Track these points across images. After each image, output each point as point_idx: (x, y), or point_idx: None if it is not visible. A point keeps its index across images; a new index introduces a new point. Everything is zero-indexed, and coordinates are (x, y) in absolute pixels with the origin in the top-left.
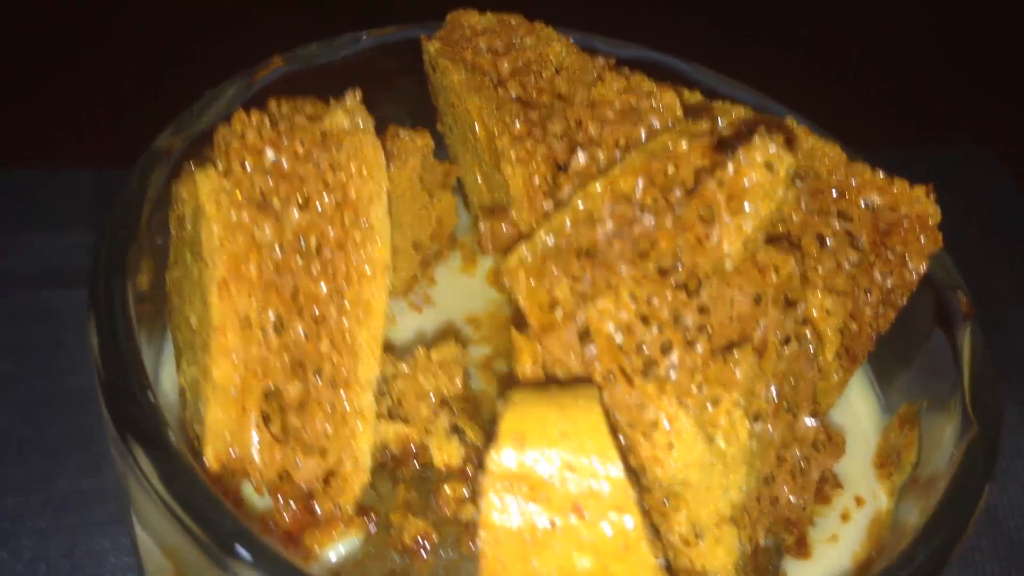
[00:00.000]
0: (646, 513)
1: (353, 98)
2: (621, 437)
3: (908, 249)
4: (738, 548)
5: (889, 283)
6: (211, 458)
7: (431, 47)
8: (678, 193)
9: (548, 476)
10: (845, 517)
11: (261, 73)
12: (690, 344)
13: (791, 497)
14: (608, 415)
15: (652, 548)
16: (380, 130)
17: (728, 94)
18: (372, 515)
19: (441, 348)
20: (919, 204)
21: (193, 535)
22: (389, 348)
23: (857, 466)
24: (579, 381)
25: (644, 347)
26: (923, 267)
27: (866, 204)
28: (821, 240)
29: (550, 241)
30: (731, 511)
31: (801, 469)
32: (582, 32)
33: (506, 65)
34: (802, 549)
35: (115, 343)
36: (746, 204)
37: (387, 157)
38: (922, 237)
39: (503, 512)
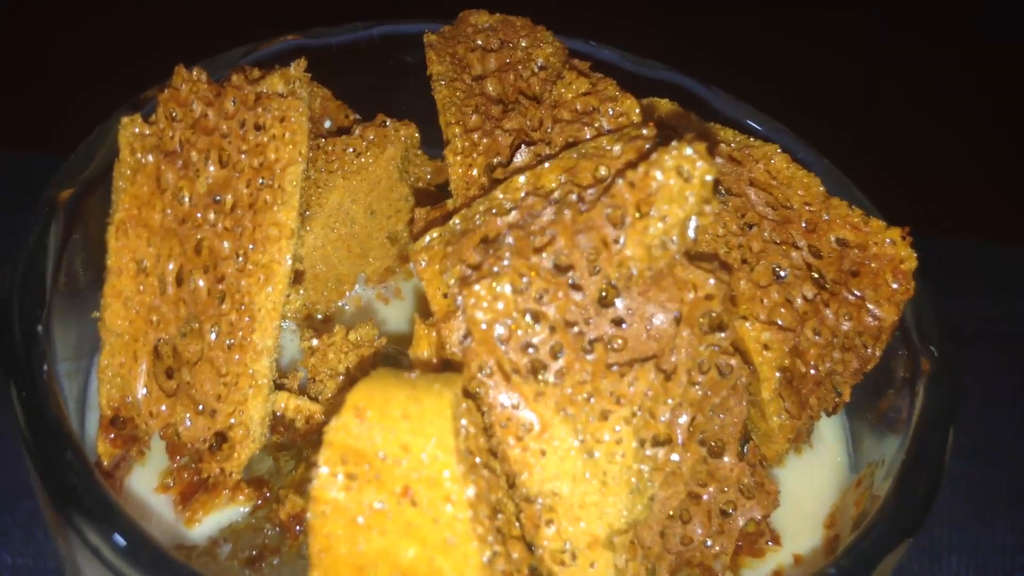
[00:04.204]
0: (494, 515)
1: (298, 66)
2: (494, 439)
3: (877, 294)
4: None
5: (846, 326)
6: (103, 403)
7: (427, 39)
8: (592, 193)
9: (382, 455)
10: (778, 574)
11: (265, 45)
12: (585, 352)
13: (707, 541)
14: (483, 412)
15: (482, 548)
16: (367, 113)
17: (744, 123)
18: (266, 489)
19: (359, 329)
20: (893, 247)
21: (37, 467)
22: (316, 325)
23: (804, 524)
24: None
25: (531, 347)
26: (894, 315)
27: (837, 241)
28: (775, 271)
29: (458, 228)
30: (607, 534)
31: (722, 513)
32: (608, 46)
33: (492, 62)
34: None
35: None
36: (652, 209)
37: (367, 144)
38: (893, 283)
39: (333, 485)
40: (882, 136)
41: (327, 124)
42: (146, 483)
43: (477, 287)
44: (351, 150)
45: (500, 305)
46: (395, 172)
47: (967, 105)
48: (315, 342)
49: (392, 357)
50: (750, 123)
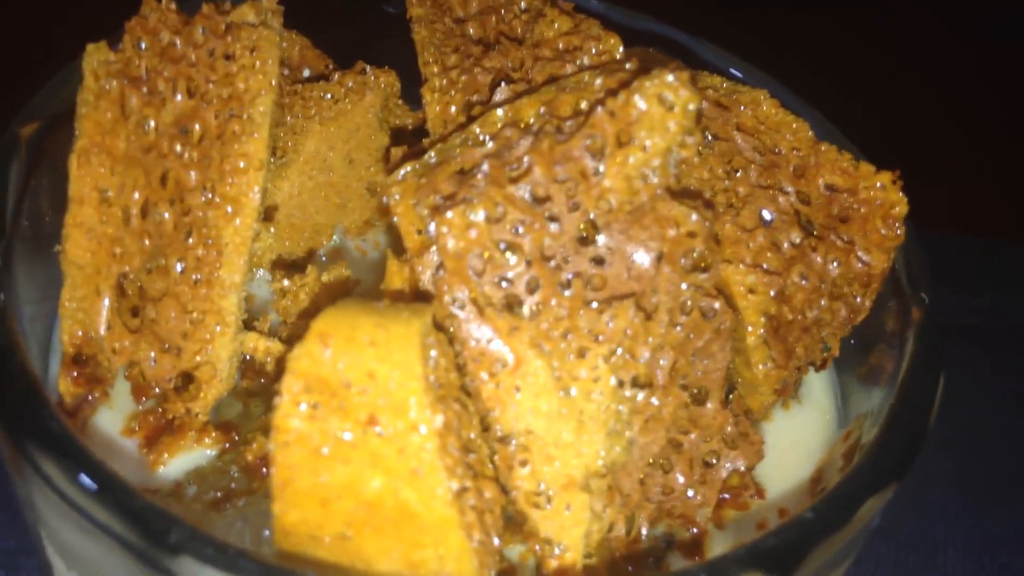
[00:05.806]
0: (465, 451)
1: None
2: (467, 376)
3: (866, 240)
4: (589, 521)
5: (834, 272)
6: (65, 339)
7: None
8: (571, 124)
9: (347, 383)
10: (761, 527)
11: None
12: (563, 287)
13: (689, 491)
14: (456, 348)
15: (450, 479)
16: (348, 66)
17: (732, 74)
18: (235, 433)
19: (331, 270)
20: (883, 191)
21: None
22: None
23: (790, 478)
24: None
25: (505, 281)
26: (883, 261)
27: (825, 186)
28: (761, 215)
29: (432, 161)
30: (583, 476)
31: (705, 463)
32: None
33: (474, 6)
34: (695, 550)
35: None
36: (633, 138)
37: (345, 91)
38: (883, 229)
39: (296, 414)
40: (876, 129)
41: (306, 73)
42: (112, 427)
43: (449, 214)
44: (329, 96)
45: (473, 234)
46: (374, 120)
47: (964, 100)
48: (286, 283)
49: (365, 296)
50: (738, 74)
